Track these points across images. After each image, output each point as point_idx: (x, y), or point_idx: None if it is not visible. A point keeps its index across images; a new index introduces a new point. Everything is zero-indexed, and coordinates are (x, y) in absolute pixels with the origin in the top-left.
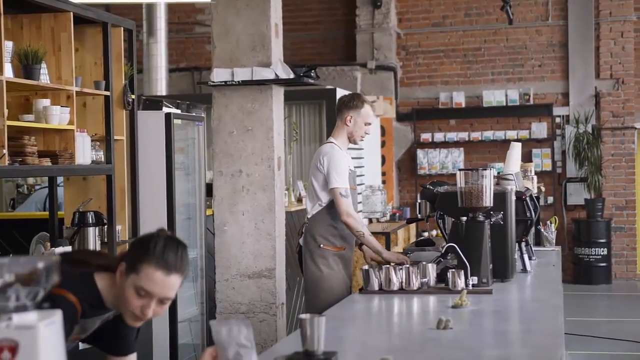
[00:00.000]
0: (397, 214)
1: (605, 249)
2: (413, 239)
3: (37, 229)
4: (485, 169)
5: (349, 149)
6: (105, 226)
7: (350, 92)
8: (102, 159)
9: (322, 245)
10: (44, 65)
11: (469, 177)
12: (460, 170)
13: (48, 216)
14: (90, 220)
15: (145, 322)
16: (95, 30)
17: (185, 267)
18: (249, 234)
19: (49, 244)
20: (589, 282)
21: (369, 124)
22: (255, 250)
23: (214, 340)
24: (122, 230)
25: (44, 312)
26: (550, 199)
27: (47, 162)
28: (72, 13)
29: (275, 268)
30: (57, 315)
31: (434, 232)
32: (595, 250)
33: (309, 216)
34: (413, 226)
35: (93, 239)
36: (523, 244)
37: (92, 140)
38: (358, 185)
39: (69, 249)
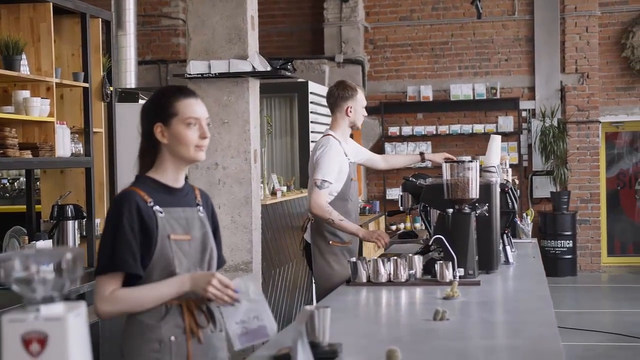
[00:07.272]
0: (367, 207)
1: (571, 241)
2: None
3: (13, 223)
4: (472, 161)
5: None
6: (85, 219)
7: (336, 82)
8: (81, 152)
9: (331, 242)
10: (24, 56)
11: (455, 169)
12: (446, 162)
13: (25, 210)
14: (70, 214)
15: None
16: (73, 21)
17: None
18: (226, 227)
19: (26, 237)
20: (554, 274)
21: (364, 106)
22: (231, 243)
23: None
24: (101, 223)
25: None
26: (517, 192)
27: (27, 155)
28: (51, 4)
29: (251, 261)
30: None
31: (403, 225)
32: (560, 243)
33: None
34: (382, 219)
35: (72, 233)
36: (505, 236)
37: (71, 133)
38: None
39: (49, 242)
